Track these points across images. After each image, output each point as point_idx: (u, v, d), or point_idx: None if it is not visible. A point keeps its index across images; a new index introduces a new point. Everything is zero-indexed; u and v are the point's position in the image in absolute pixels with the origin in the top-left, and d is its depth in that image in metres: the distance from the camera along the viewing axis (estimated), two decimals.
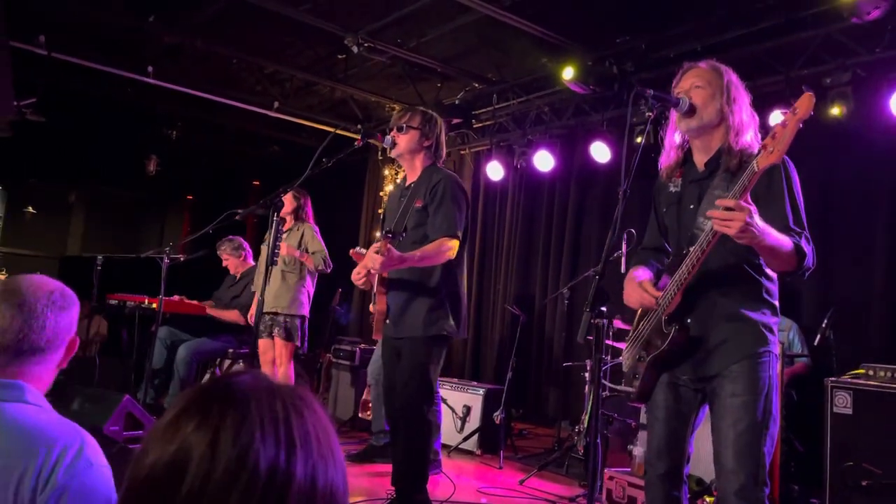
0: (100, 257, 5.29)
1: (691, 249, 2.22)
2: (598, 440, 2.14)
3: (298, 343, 5.09)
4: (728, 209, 1.97)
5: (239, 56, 6.87)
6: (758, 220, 1.99)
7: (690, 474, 3.11)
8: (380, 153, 8.26)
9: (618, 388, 4.48)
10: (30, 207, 10.60)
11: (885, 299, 4.74)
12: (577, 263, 6.68)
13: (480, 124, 7.43)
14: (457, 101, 7.17)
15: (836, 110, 4.70)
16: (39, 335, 1.46)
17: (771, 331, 2.28)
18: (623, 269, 5.22)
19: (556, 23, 5.60)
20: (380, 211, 8.29)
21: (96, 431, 3.55)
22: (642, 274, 2.46)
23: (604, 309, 2.13)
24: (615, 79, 5.92)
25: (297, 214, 5.19)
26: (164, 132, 8.42)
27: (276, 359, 5.04)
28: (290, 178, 6.29)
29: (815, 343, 4.25)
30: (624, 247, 5.01)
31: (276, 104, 7.60)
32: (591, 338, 2.31)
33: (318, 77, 7.24)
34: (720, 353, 2.25)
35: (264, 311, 5.06)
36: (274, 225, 3.01)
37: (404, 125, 3.40)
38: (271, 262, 2.99)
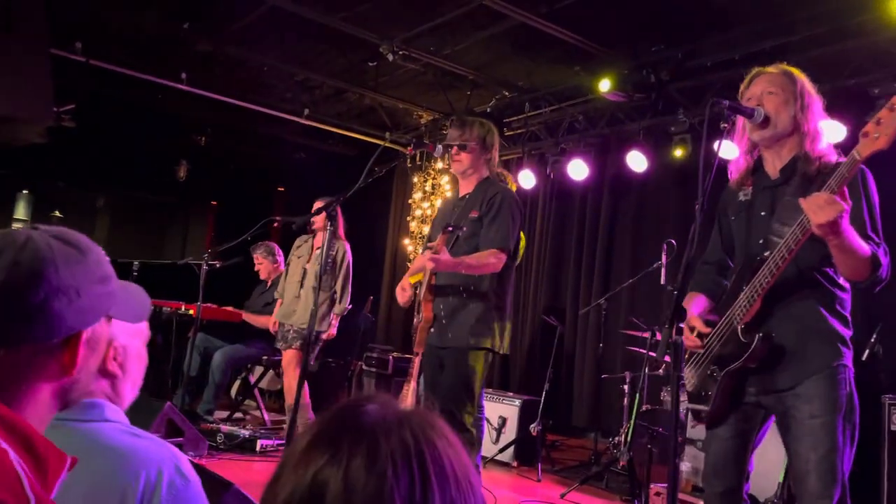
0: (136, 263, 5.29)
1: (767, 255, 2.16)
2: (676, 462, 2.08)
3: (309, 357, 5.09)
4: (824, 202, 1.92)
5: (270, 63, 6.88)
6: (846, 222, 1.94)
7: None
8: (408, 161, 8.23)
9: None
10: (56, 212, 10.65)
11: None
12: (610, 274, 6.62)
13: (512, 132, 7.39)
14: (488, 109, 7.14)
15: None
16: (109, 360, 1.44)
17: (846, 343, 2.22)
18: (663, 281, 5.18)
19: (592, 31, 5.57)
20: (408, 219, 8.27)
21: None
22: (696, 305, 2.41)
23: (682, 326, 2.07)
24: (652, 87, 5.88)
25: (333, 224, 5.17)
26: (193, 138, 8.43)
27: (285, 365, 5.06)
28: (316, 185, 6.29)
29: (863, 358, 4.17)
30: (664, 258, 4.96)
31: (306, 111, 7.61)
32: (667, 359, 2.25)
33: (349, 84, 7.24)
34: (793, 365, 2.18)
35: (296, 325, 5.05)
36: (327, 236, 2.98)
37: (466, 143, 3.36)
38: (323, 272, 2.96)
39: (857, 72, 4.91)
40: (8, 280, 0.96)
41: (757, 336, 2.17)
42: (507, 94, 7.05)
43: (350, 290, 5.22)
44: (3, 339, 0.96)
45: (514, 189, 3.52)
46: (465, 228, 3.15)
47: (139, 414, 3.83)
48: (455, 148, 3.38)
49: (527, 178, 6.88)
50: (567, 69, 6.32)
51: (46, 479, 0.91)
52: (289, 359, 5.06)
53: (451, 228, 3.03)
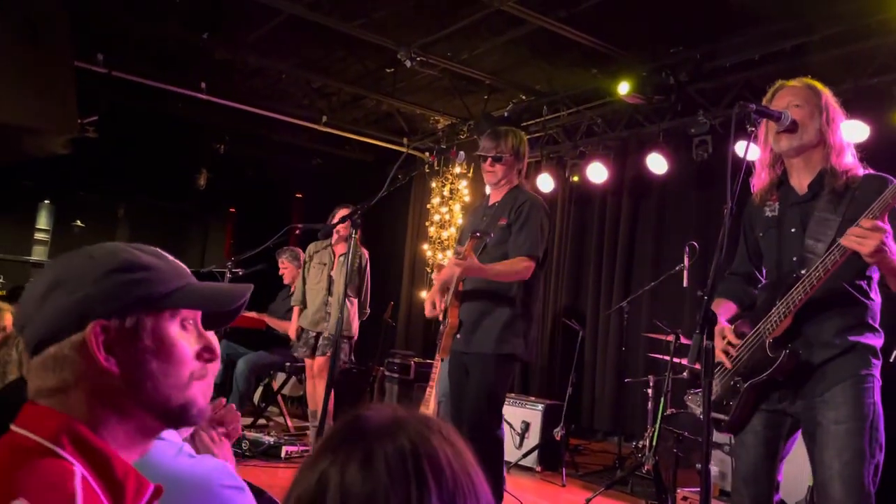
0: None
1: (804, 273, 2.16)
2: (708, 469, 2.07)
3: (343, 361, 5.14)
4: (864, 230, 1.94)
5: (288, 71, 6.94)
6: (890, 243, 1.95)
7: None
8: (427, 166, 8.25)
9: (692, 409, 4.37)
10: (78, 221, 10.77)
11: None
12: (631, 277, 6.59)
13: (530, 136, 7.38)
14: (505, 114, 7.14)
15: None
16: None
17: (875, 354, 2.21)
18: (685, 283, 5.15)
19: (610, 34, 5.56)
20: (427, 224, 8.28)
21: None
22: (725, 312, 2.40)
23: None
24: (671, 90, 5.85)
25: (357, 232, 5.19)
26: (213, 146, 8.51)
27: (317, 372, 5.09)
28: (333, 191, 6.31)
29: (891, 359, 4.12)
30: (686, 261, 4.93)
31: (324, 118, 7.65)
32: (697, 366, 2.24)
33: (366, 90, 7.27)
34: (821, 377, 2.18)
35: (326, 333, 5.09)
36: (352, 244, 3.00)
37: (502, 155, 3.37)
38: (350, 280, 2.98)
39: (879, 70, 4.87)
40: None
41: (784, 352, 2.17)
42: (524, 97, 7.05)
43: (369, 295, 5.26)
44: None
45: None
46: (492, 235, 3.15)
47: None
48: (489, 160, 3.38)
49: (546, 182, 6.88)
50: (585, 72, 6.32)
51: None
52: (321, 366, 5.09)
53: (478, 235, 3.04)
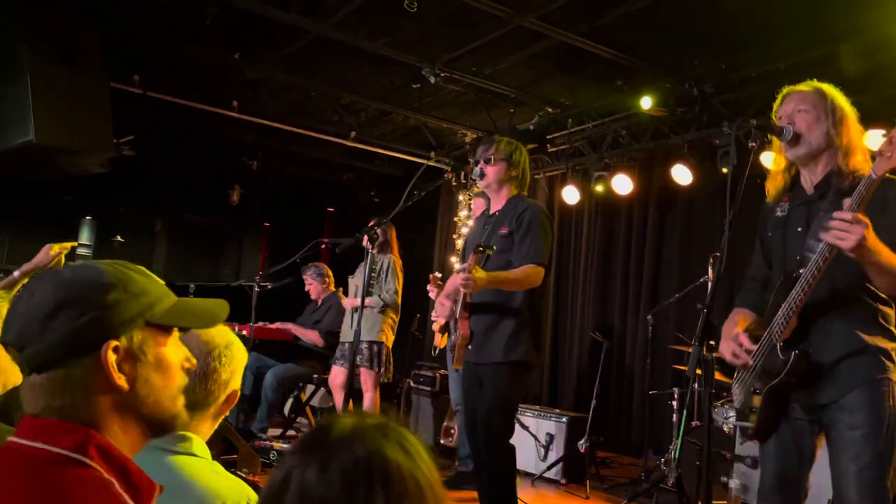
0: (192, 286, 5.49)
1: (803, 272, 2.17)
2: (709, 479, 2.09)
3: (378, 369, 5.17)
4: (845, 222, 1.94)
5: (317, 88, 7.08)
6: (871, 236, 1.95)
7: None
8: (454, 178, 8.33)
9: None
10: (118, 236, 11.08)
11: None
12: (658, 288, 6.56)
13: (555, 149, 7.42)
14: (531, 127, 7.19)
15: None
16: (196, 392, 1.50)
17: (890, 357, 2.20)
18: (713, 292, 5.12)
19: (633, 47, 5.58)
20: (454, 236, 8.34)
21: None
22: (743, 321, 2.41)
23: (713, 342, 2.09)
24: (695, 101, 5.84)
25: (382, 248, 5.28)
26: (245, 162, 8.71)
27: (361, 385, 5.16)
28: (364, 205, 6.42)
29: None
30: (710, 272, 4.91)
31: (353, 133, 7.79)
32: (699, 372, 2.27)
33: (394, 106, 7.39)
34: (835, 380, 2.18)
35: (346, 340, 5.19)
36: (368, 257, 3.08)
37: (492, 157, 3.44)
38: (366, 293, 3.05)
39: None
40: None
41: (793, 353, 2.17)
42: (550, 110, 7.09)
43: (400, 294, 5.31)
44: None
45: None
46: (495, 248, 3.21)
47: None
48: (482, 163, 3.45)
49: (571, 194, 6.89)
50: (609, 84, 6.33)
51: None
52: (363, 378, 5.18)
53: (481, 248, 3.10)
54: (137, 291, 1.07)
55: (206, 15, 5.31)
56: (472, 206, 4.71)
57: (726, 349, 2.37)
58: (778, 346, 2.22)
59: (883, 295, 2.23)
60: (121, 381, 1.02)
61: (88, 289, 1.04)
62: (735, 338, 2.35)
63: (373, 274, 5.00)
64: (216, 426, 1.58)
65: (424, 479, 0.86)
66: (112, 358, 1.01)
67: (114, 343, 1.02)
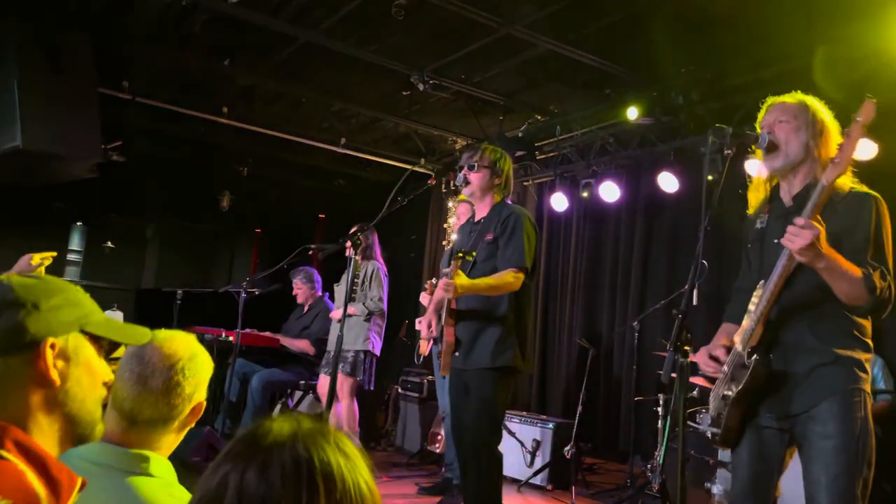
0: (179, 291, 5.49)
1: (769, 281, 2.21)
2: (685, 484, 2.11)
3: (361, 377, 5.17)
4: (797, 226, 1.98)
5: (307, 95, 7.11)
6: (823, 243, 1.97)
7: None
8: (444, 186, 8.36)
9: (697, 427, 4.38)
10: (109, 242, 11.05)
11: None
12: (645, 295, 6.59)
13: (544, 156, 7.46)
14: (520, 134, 7.22)
15: None
16: (152, 407, 1.49)
17: (862, 368, 2.21)
18: (695, 302, 5.15)
19: (620, 55, 5.62)
20: (444, 243, 8.37)
21: (180, 461, 3.68)
22: (724, 335, 2.44)
23: (688, 349, 2.12)
24: (680, 109, 5.89)
25: (365, 253, 5.29)
26: (236, 169, 8.72)
27: (337, 392, 5.14)
28: (355, 212, 6.47)
29: None
30: (689, 277, 4.94)
31: (343, 140, 7.81)
32: (674, 375, 2.29)
33: (384, 113, 7.42)
34: (807, 390, 2.20)
35: (332, 348, 5.18)
36: (351, 263, 3.09)
37: (475, 164, 3.47)
38: (349, 300, 3.07)
39: (889, 89, 4.84)
40: None
41: (753, 359, 2.20)
42: (539, 118, 7.13)
43: (386, 300, 5.32)
44: None
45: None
46: (475, 253, 3.23)
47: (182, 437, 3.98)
48: (465, 169, 3.48)
49: (559, 201, 6.93)
50: (597, 92, 6.37)
51: (59, 499, 1.02)
52: (339, 384, 5.15)
53: (461, 254, 3.11)
54: (76, 301, 1.19)
55: (195, 22, 5.33)
56: (457, 212, 4.70)
57: (701, 357, 2.40)
58: (744, 354, 2.25)
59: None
60: (55, 376, 1.10)
61: (33, 290, 1.14)
62: (711, 351, 2.38)
63: (356, 280, 5.00)
64: (181, 439, 1.59)
65: (364, 482, 0.88)
66: (50, 354, 1.10)
67: (51, 340, 1.11)
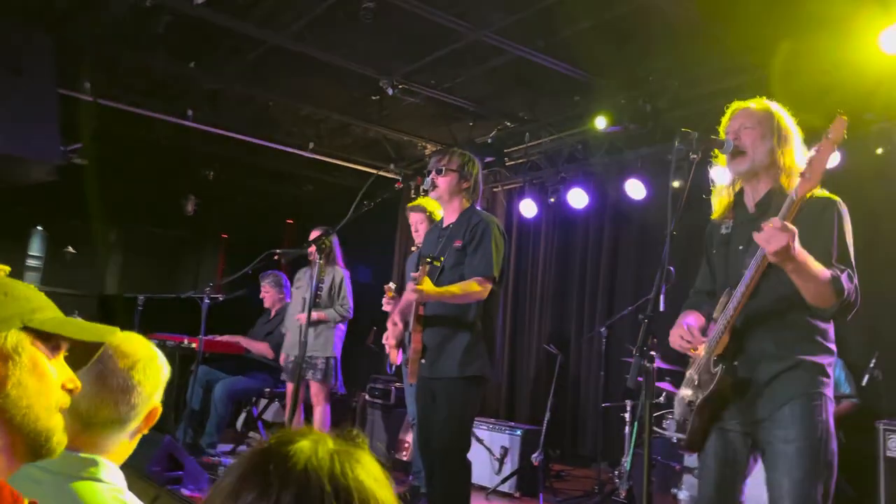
0: (141, 297, 5.37)
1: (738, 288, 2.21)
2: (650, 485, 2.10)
3: (333, 383, 5.13)
4: (773, 228, 1.98)
5: (275, 99, 7.03)
6: (797, 245, 1.98)
7: None
8: (413, 190, 8.32)
9: (664, 432, 4.40)
10: (70, 247, 10.82)
11: None
12: (613, 301, 6.62)
13: (513, 162, 7.47)
14: (489, 140, 7.23)
15: (880, 150, 4.66)
16: (112, 409, 1.42)
17: (824, 373, 2.23)
18: (662, 307, 5.18)
19: (589, 62, 5.65)
20: (413, 248, 8.32)
21: (137, 473, 3.57)
22: (693, 320, 2.44)
23: (654, 353, 2.11)
24: (648, 117, 5.93)
25: (327, 258, 5.23)
26: (202, 173, 8.59)
27: (312, 399, 5.07)
28: (324, 217, 6.43)
29: (863, 384, 4.15)
30: (663, 285, 4.97)
31: (311, 145, 7.74)
32: (640, 379, 2.28)
33: (353, 118, 7.37)
34: (769, 395, 2.21)
35: (293, 353, 5.11)
36: (315, 268, 3.04)
37: (443, 168, 3.44)
38: (313, 305, 3.01)
39: (850, 98, 4.93)
40: None
41: (721, 367, 2.20)
42: (508, 124, 7.14)
43: (352, 306, 5.28)
44: None
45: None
46: (443, 259, 3.20)
47: (139, 448, 3.87)
48: (433, 173, 3.45)
49: (528, 207, 6.93)
50: (566, 99, 6.40)
51: None
52: (314, 391, 5.10)
53: (429, 260, 3.08)
54: (18, 296, 1.06)
55: (160, 23, 5.23)
56: (411, 222, 4.66)
57: (674, 335, 2.39)
58: (710, 361, 2.25)
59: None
60: None
61: None
62: (688, 327, 2.36)
63: (321, 285, 4.94)
64: (133, 447, 1.52)
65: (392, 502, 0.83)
66: None
67: None
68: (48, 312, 1.08)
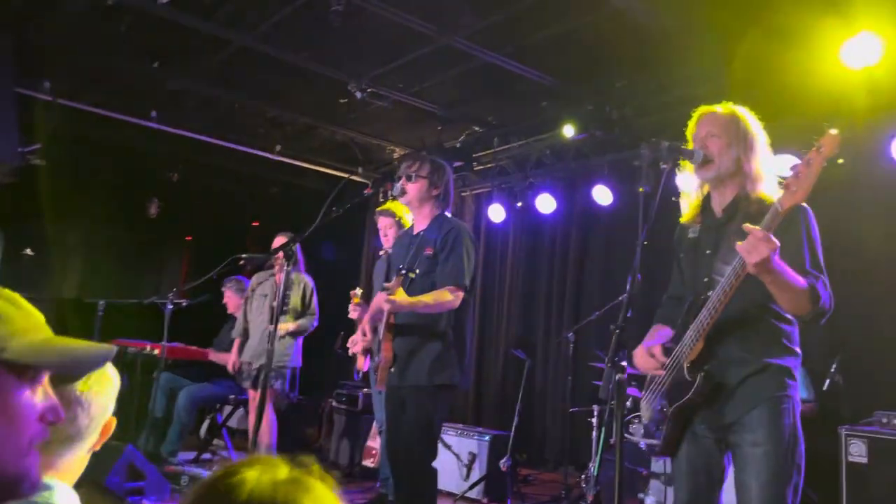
0: (101, 302, 5.25)
1: (711, 294, 2.21)
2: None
3: (293, 392, 5.09)
4: (757, 238, 1.97)
5: (242, 100, 6.94)
6: (777, 258, 2.00)
7: None
8: (381, 195, 8.27)
9: (635, 440, 4.40)
10: (28, 250, 10.54)
11: (892, 345, 4.71)
12: (580, 306, 6.65)
13: (481, 167, 7.47)
14: (458, 144, 7.22)
15: (841, 160, 4.74)
16: (71, 424, 1.35)
17: (791, 375, 2.26)
18: (629, 313, 5.21)
19: (557, 68, 5.67)
20: (381, 252, 8.27)
21: (96, 485, 3.47)
22: (658, 339, 2.45)
23: (625, 364, 2.11)
24: (615, 124, 5.98)
25: (295, 265, 5.17)
26: (166, 175, 8.44)
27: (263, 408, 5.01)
28: (291, 220, 6.36)
29: (825, 388, 4.22)
30: (627, 290, 5.00)
31: (277, 147, 7.66)
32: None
33: (320, 121, 7.30)
34: (738, 399, 2.23)
35: (260, 362, 5.04)
36: (284, 276, 2.99)
37: (413, 174, 3.42)
38: (281, 312, 2.96)
39: (812, 109, 5.01)
40: None
41: (700, 375, 2.21)
42: (477, 129, 7.14)
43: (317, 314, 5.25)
44: None
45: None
46: (418, 272, 3.18)
47: (97, 459, 3.77)
48: (403, 179, 3.43)
49: (496, 212, 6.94)
50: (535, 104, 6.42)
51: None
52: (274, 401, 5.04)
53: (403, 272, 3.07)
54: None
55: (122, 22, 5.12)
56: (380, 226, 4.64)
57: (639, 355, 2.40)
58: (685, 367, 2.26)
59: (787, 315, 2.28)
60: None
61: None
62: (649, 349, 2.38)
63: (288, 293, 4.88)
64: (87, 460, 1.47)
65: None
66: None
67: None
68: (31, 335, 0.93)
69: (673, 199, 2.63)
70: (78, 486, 1.42)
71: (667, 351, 2.37)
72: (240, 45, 5.60)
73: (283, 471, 0.82)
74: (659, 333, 2.51)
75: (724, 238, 2.34)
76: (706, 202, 2.51)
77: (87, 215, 9.68)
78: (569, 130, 5.87)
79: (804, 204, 2.28)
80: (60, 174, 7.70)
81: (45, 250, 10.71)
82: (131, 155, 7.92)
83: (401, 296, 3.08)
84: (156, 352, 5.16)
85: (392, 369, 3.31)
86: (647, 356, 2.38)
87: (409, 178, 3.43)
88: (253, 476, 0.79)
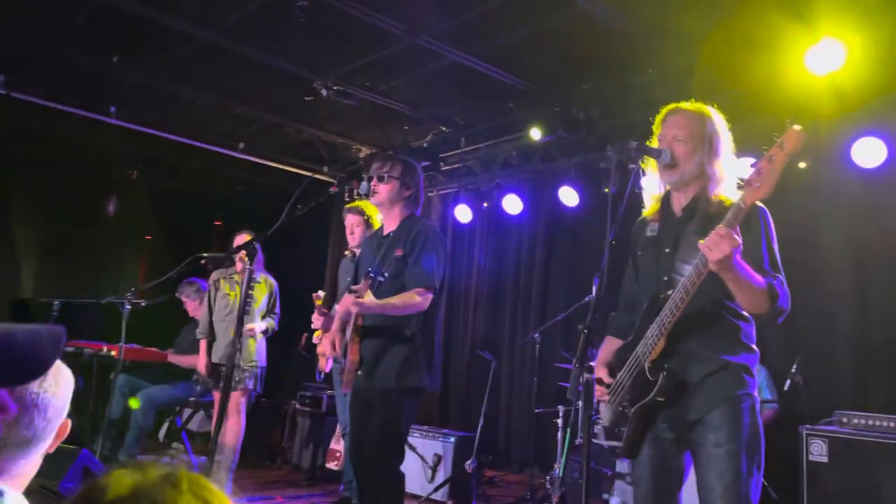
0: (56, 302, 5.09)
1: (672, 293, 2.21)
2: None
3: (260, 390, 5.02)
4: (719, 235, 1.97)
5: (205, 96, 6.81)
6: (738, 257, 2.01)
7: None
8: (346, 195, 8.20)
9: (599, 441, 4.41)
10: None
11: (851, 346, 4.80)
12: (546, 307, 6.67)
13: (448, 167, 7.45)
14: (425, 144, 7.19)
15: (802, 164, 4.82)
16: (27, 427, 1.29)
17: (749, 372, 2.28)
18: (593, 314, 5.23)
19: (524, 70, 5.67)
20: (346, 252, 8.19)
21: (49, 491, 3.35)
22: (606, 351, 2.45)
23: (593, 364, 2.10)
24: (581, 126, 6.01)
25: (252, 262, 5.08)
26: (125, 172, 8.25)
27: (230, 408, 4.92)
28: (254, 219, 6.26)
29: (785, 388, 4.28)
30: (595, 291, 5.02)
31: (241, 145, 7.54)
32: (580, 389, 2.26)
33: (286, 119, 7.20)
34: (699, 398, 2.23)
35: (242, 365, 4.95)
36: (247, 275, 2.93)
37: (385, 175, 3.37)
38: (244, 313, 2.90)
39: (777, 114, 5.08)
40: None
41: (662, 374, 2.21)
42: (444, 129, 7.11)
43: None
44: None
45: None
46: (385, 276, 3.13)
47: (52, 463, 3.64)
48: (374, 179, 3.38)
49: (463, 213, 6.92)
50: (502, 106, 6.42)
51: None
52: (235, 400, 4.92)
53: (372, 275, 3.02)
54: None
55: (80, 14, 4.98)
56: (347, 224, 4.58)
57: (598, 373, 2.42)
58: (646, 367, 2.26)
59: (744, 313, 2.30)
60: None
61: None
62: (595, 371, 2.40)
63: (250, 293, 4.79)
64: (38, 466, 1.40)
65: None
66: None
67: None
68: None
69: (636, 190, 2.62)
70: (29, 491, 1.36)
71: (620, 361, 2.36)
72: (203, 40, 5.48)
73: (152, 472, 0.81)
74: (605, 347, 2.52)
75: (684, 237, 2.35)
76: (666, 200, 2.51)
77: (43, 213, 9.43)
78: (536, 134, 5.88)
79: (761, 204, 2.30)
80: (15, 170, 7.50)
81: (0, 249, 10.41)
82: (89, 152, 7.73)
83: (369, 298, 3.04)
84: (113, 353, 5.03)
85: (359, 372, 3.26)
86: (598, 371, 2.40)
87: (380, 179, 3.38)
88: (116, 480, 0.79)
